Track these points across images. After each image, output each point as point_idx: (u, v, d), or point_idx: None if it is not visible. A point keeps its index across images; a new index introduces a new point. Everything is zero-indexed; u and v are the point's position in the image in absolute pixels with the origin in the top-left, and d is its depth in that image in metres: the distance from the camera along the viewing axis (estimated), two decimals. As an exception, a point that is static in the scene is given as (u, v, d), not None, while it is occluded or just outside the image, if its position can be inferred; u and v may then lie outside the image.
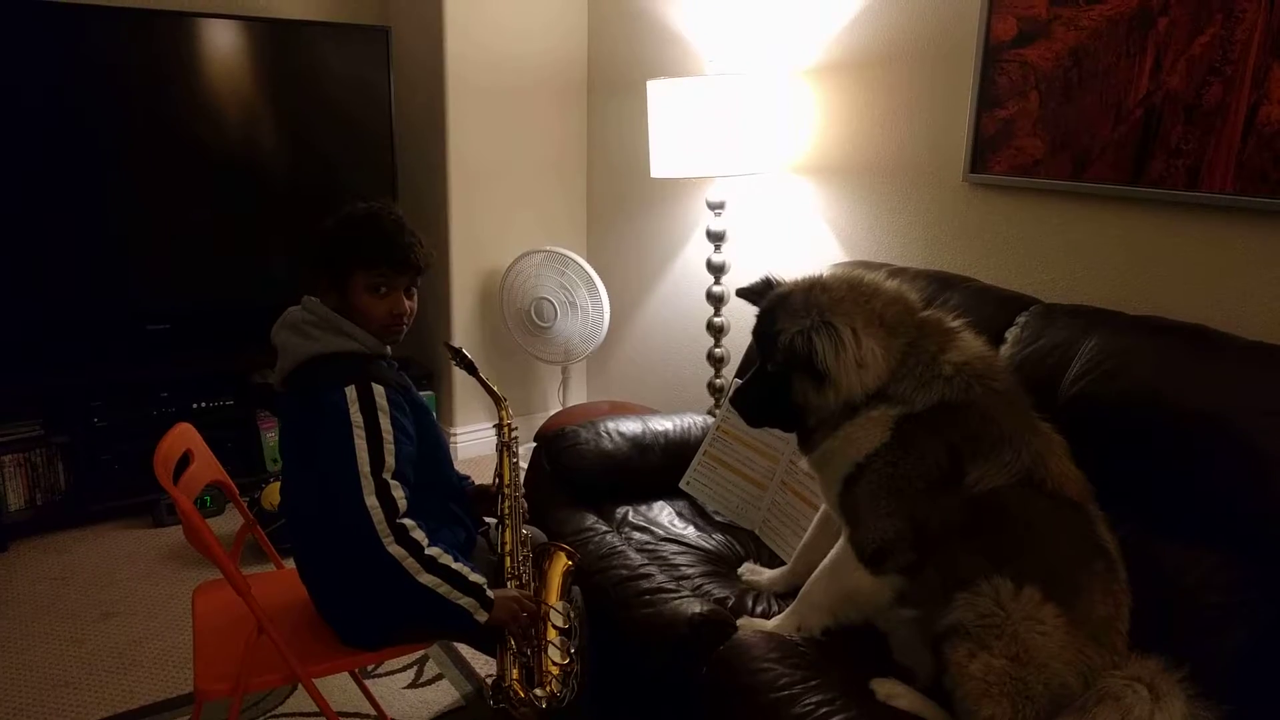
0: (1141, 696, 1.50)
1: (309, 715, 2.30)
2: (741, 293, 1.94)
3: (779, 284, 1.85)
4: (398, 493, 1.69)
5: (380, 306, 1.80)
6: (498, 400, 2.08)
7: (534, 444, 2.65)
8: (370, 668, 2.49)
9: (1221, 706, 1.50)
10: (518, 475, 2.00)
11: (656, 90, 2.96)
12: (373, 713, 2.29)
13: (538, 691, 1.72)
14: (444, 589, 1.69)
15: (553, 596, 1.88)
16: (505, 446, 2.04)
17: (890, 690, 1.66)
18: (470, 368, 2.07)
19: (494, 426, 2.09)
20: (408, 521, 1.69)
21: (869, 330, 1.71)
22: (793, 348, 1.71)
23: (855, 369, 1.69)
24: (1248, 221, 1.97)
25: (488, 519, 2.04)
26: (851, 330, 1.70)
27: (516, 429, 2.08)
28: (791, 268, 1.88)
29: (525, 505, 2.00)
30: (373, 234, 1.78)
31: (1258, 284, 1.97)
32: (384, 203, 1.85)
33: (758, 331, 1.84)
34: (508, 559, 1.88)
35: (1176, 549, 1.69)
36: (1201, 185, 2.01)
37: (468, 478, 2.06)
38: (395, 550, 1.67)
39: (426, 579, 1.68)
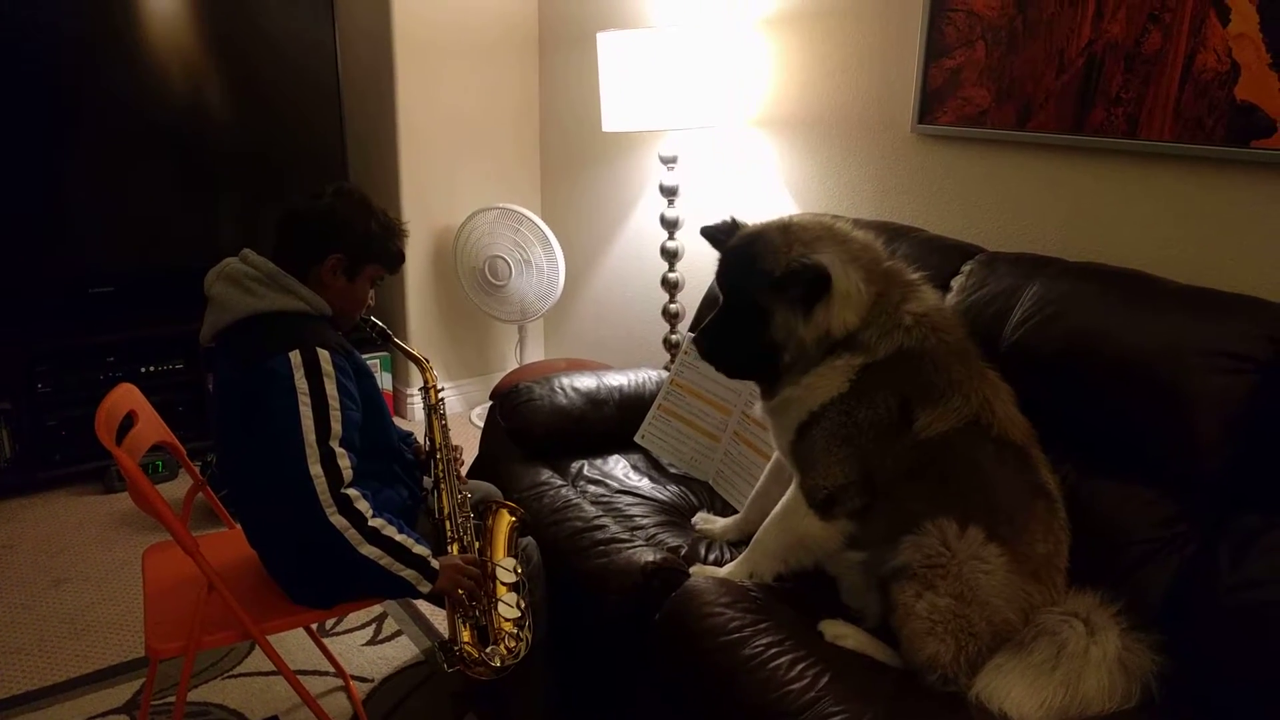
0: (1078, 630, 1.56)
1: (268, 674, 2.30)
2: (706, 231, 1.90)
3: (744, 226, 1.84)
4: (343, 461, 1.67)
5: (366, 295, 1.89)
6: (420, 364, 2.07)
7: (490, 402, 2.65)
8: (329, 625, 2.50)
9: (1154, 635, 1.56)
10: (448, 437, 2.01)
11: (607, 42, 2.93)
12: (332, 670, 2.30)
13: (489, 650, 1.74)
14: (385, 560, 1.68)
15: (499, 553, 1.89)
16: (433, 409, 2.03)
17: (838, 631, 1.70)
18: (384, 335, 2.06)
19: (420, 390, 2.09)
20: (352, 492, 1.67)
21: (850, 268, 1.72)
22: (791, 271, 1.69)
23: (844, 300, 1.70)
24: (1184, 168, 2.00)
25: (426, 480, 2.03)
26: (839, 264, 1.70)
27: (443, 390, 2.09)
28: (745, 220, 1.88)
29: (462, 463, 2.00)
30: (398, 239, 1.89)
31: (1192, 230, 2.00)
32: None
33: (726, 271, 1.82)
34: (447, 523, 1.89)
35: (1112, 487, 1.74)
36: (1140, 133, 2.04)
37: (410, 434, 2.06)
38: (338, 521, 1.65)
39: (368, 550, 1.67)
